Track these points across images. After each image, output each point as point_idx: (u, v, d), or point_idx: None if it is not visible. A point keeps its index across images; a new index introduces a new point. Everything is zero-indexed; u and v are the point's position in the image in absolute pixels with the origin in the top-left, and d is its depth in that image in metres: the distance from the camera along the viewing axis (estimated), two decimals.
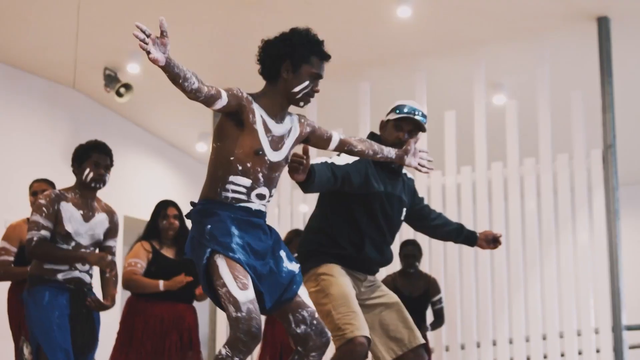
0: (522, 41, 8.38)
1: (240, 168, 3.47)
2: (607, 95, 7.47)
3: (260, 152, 3.49)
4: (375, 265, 4.49)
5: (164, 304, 6.00)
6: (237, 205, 3.50)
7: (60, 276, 4.88)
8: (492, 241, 4.77)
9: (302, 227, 7.91)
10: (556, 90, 8.11)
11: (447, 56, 8.71)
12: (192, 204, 3.62)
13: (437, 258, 7.93)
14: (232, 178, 3.48)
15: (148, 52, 3.10)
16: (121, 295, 7.32)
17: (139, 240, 6.16)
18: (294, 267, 3.62)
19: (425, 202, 4.81)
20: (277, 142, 3.56)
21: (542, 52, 7.91)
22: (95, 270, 5.10)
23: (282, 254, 3.62)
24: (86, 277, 4.99)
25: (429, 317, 7.31)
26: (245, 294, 3.32)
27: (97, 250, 5.13)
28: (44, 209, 4.88)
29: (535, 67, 7.93)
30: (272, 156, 3.54)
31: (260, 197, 3.54)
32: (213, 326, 8.76)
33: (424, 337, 7.09)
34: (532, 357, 7.50)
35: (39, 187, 6.00)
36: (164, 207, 6.20)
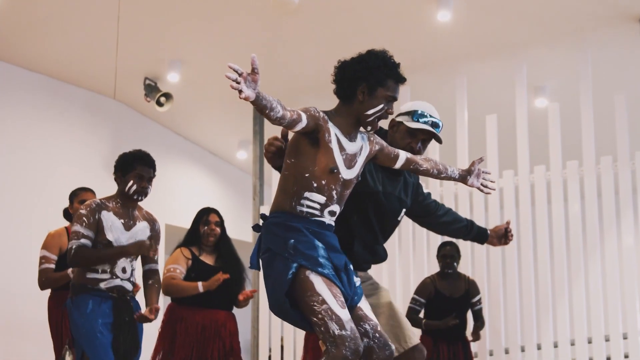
0: (563, 43, 8.31)
1: (315, 185, 3.54)
2: None
3: (335, 170, 3.55)
4: (365, 263, 4.23)
5: (205, 311, 6.02)
6: (312, 220, 3.57)
7: (102, 285, 4.91)
8: (503, 236, 4.62)
9: None
10: (599, 92, 8.03)
11: (488, 60, 8.67)
12: (263, 216, 3.68)
13: (480, 262, 7.87)
14: (307, 194, 3.55)
15: (239, 91, 3.16)
16: (163, 302, 7.36)
17: (178, 246, 6.19)
18: (357, 280, 3.67)
19: (433, 197, 4.52)
20: (350, 160, 3.61)
21: (584, 54, 7.83)
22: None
23: (351, 267, 3.67)
24: (128, 285, 5.01)
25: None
26: (346, 313, 3.40)
27: (139, 259, 5.15)
28: (84, 218, 4.91)
29: (578, 69, 7.85)
30: (346, 174, 3.60)
31: (332, 214, 3.62)
32: (255, 332, 8.77)
33: (465, 338, 7.07)
34: None
35: (88, 197, 6.01)
36: (205, 214, 6.23)
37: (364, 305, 3.63)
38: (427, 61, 8.80)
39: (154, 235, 5.16)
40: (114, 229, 4.94)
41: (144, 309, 5.03)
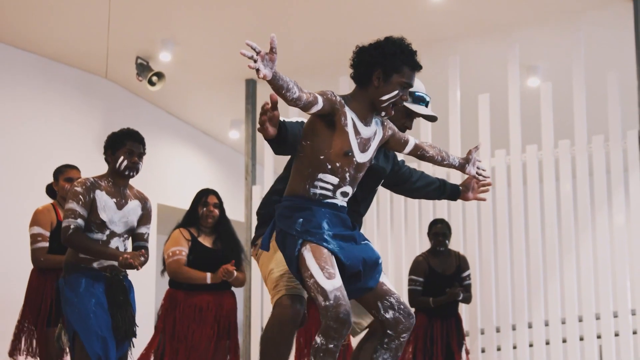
0: (556, 23, 8.30)
1: (329, 167, 3.62)
2: None
3: (350, 153, 3.62)
4: None
5: (203, 294, 6.04)
6: (324, 202, 3.65)
7: (95, 264, 4.91)
8: (475, 190, 4.49)
9: None
10: (591, 71, 8.04)
11: (480, 39, 8.66)
12: (277, 200, 3.83)
13: (472, 241, 7.90)
14: (321, 176, 3.63)
15: (257, 70, 3.21)
16: (156, 282, 7.37)
17: (177, 227, 6.19)
18: (377, 255, 3.75)
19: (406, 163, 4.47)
20: (364, 144, 3.68)
21: (577, 34, 7.83)
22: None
23: (365, 243, 3.75)
24: None
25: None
26: (332, 283, 3.47)
27: (130, 238, 5.15)
28: (80, 197, 4.90)
29: (570, 48, 7.85)
30: (360, 157, 3.67)
31: (344, 194, 3.70)
32: (248, 312, 8.80)
33: (458, 314, 7.11)
34: (568, 339, 7.46)
35: (73, 174, 6.02)
36: (204, 195, 6.24)
37: (386, 280, 3.73)
38: (421, 41, 8.72)
39: (146, 214, 5.15)
40: (107, 209, 4.93)
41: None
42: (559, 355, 7.46)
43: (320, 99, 3.50)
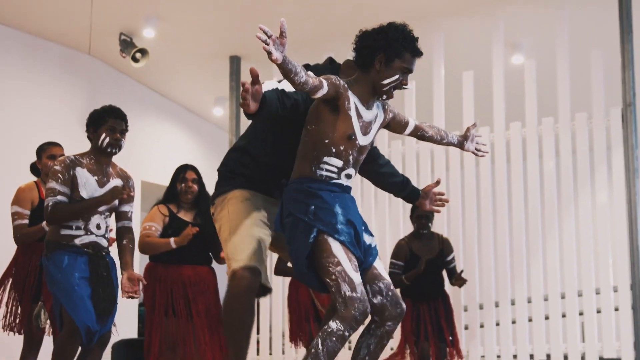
0: (540, 0, 8.30)
1: (333, 150, 3.73)
2: (626, 52, 7.40)
3: (353, 137, 3.74)
4: None
5: (183, 267, 6.02)
6: (332, 182, 3.77)
7: (77, 241, 4.90)
8: (433, 200, 4.42)
9: None
10: (575, 49, 8.04)
11: (465, 16, 8.65)
12: (284, 183, 3.89)
13: (455, 218, 7.92)
14: (326, 159, 3.74)
15: (269, 53, 3.31)
16: (140, 260, 7.37)
17: (157, 204, 6.18)
18: (371, 240, 3.84)
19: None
20: (366, 127, 3.80)
21: (561, 11, 7.83)
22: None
23: (362, 227, 3.83)
24: (103, 241, 5.00)
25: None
26: (358, 277, 3.62)
27: (112, 216, 5.14)
28: (59, 175, 4.89)
29: (554, 26, 7.85)
30: (362, 140, 3.79)
31: (348, 176, 3.81)
32: None
33: (444, 293, 7.14)
34: (550, 316, 7.50)
35: (56, 152, 6.00)
36: (182, 171, 6.21)
37: (378, 264, 3.81)
38: (405, 18, 8.70)
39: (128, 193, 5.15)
40: (88, 186, 4.92)
41: (119, 268, 5.04)
42: (541, 331, 7.51)
43: (325, 83, 3.61)
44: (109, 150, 5.00)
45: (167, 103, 11.04)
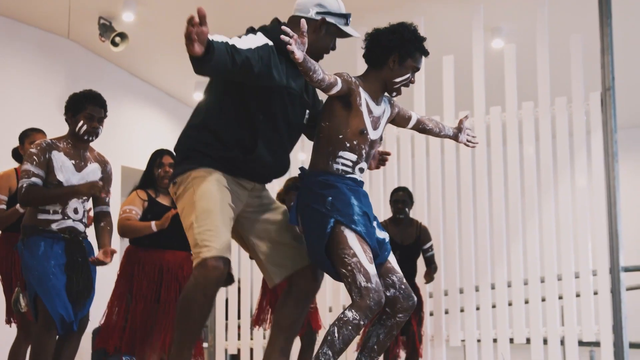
0: None
1: (348, 145, 3.90)
2: (605, 37, 7.40)
3: (365, 132, 3.92)
4: (267, 172, 4.05)
5: (163, 252, 6.00)
6: (347, 177, 3.93)
7: (54, 226, 4.88)
8: (377, 156, 4.38)
9: None
10: (555, 33, 8.04)
11: (445, 1, 8.64)
12: (301, 172, 4.00)
13: (436, 201, 7.93)
14: (341, 153, 3.90)
15: (292, 52, 3.44)
16: (120, 244, 7.34)
17: (134, 189, 6.15)
18: (384, 234, 4.01)
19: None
20: (375, 122, 3.98)
21: None
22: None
23: (374, 223, 4.00)
24: (80, 226, 4.98)
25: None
26: (373, 268, 3.77)
27: (90, 201, 5.12)
28: (34, 157, 4.87)
29: (534, 10, 7.85)
30: (372, 135, 3.97)
31: (361, 170, 3.98)
32: None
33: (414, 284, 7.15)
34: (530, 300, 7.53)
35: (39, 138, 5.95)
36: (159, 156, 6.17)
37: (392, 259, 3.97)
38: (385, 2, 8.75)
39: (106, 177, 5.12)
40: (65, 170, 4.89)
41: (97, 251, 5.01)
42: (521, 315, 7.54)
43: (339, 81, 3.77)
44: (85, 138, 4.97)
45: (147, 87, 10.99)
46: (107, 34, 9.09)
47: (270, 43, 3.86)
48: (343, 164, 3.89)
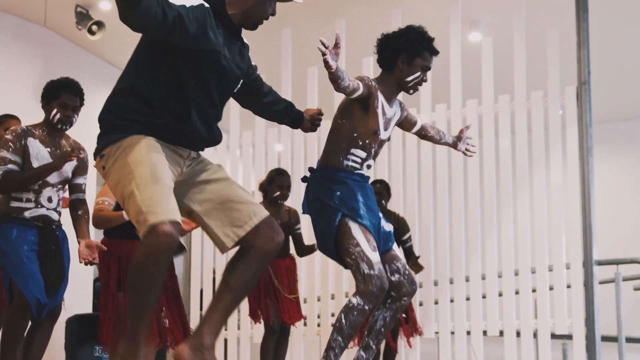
0: None
1: (360, 143, 4.27)
2: (582, 31, 7.44)
3: (377, 132, 4.29)
4: (201, 141, 3.62)
5: (137, 242, 5.97)
6: (355, 172, 4.32)
7: (27, 214, 4.86)
8: (312, 120, 4.32)
9: (276, 166, 7.89)
10: (532, 27, 8.07)
11: None
12: (311, 169, 4.39)
13: (412, 194, 7.95)
14: (353, 150, 4.29)
15: (327, 62, 3.69)
16: (95, 235, 7.31)
17: None
18: (389, 227, 4.41)
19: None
20: (387, 123, 4.36)
21: None
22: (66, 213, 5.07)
23: (380, 214, 4.39)
24: (54, 215, 4.97)
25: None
26: (376, 256, 4.12)
27: (66, 187, 5.10)
28: (10, 144, 4.85)
29: (512, 4, 7.87)
30: (383, 135, 4.35)
31: (368, 167, 4.38)
32: (188, 265, 8.77)
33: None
34: (504, 293, 7.56)
35: (14, 125, 5.91)
36: None
37: (396, 247, 4.41)
38: None
39: (81, 166, 5.11)
40: (40, 158, 4.88)
41: (72, 240, 5.00)
42: (494, 308, 7.57)
43: (361, 85, 4.11)
44: (59, 126, 4.95)
45: None
46: (84, 22, 9.04)
47: (207, 5, 3.51)
48: (353, 161, 4.28)
